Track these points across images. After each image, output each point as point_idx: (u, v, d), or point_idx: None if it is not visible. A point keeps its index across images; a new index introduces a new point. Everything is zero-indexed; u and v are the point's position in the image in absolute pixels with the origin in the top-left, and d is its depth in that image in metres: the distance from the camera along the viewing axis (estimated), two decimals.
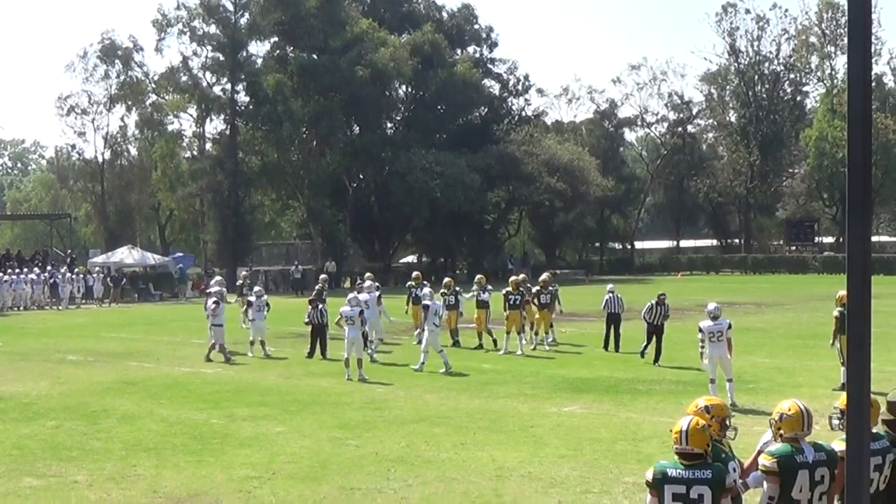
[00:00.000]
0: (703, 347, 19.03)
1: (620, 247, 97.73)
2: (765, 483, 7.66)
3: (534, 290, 29.68)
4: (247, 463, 14.92)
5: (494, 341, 29.12)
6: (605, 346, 29.11)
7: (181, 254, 75.07)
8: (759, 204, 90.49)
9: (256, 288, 27.83)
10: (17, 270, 56.21)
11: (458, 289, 30.77)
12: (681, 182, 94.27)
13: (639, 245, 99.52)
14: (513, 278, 29.90)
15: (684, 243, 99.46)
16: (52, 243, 73.35)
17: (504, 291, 28.76)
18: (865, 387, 4.57)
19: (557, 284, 32.15)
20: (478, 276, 31.83)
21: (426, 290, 28.20)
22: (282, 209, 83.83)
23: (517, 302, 28.27)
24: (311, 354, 27.53)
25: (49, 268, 58.62)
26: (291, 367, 26.17)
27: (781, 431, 7.97)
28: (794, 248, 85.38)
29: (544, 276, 31.09)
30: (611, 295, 29.75)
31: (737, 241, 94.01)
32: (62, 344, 27.25)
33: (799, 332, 32.33)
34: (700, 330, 19.02)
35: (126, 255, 65.49)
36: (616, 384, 21.94)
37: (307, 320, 27.61)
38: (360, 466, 14.52)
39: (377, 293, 29.65)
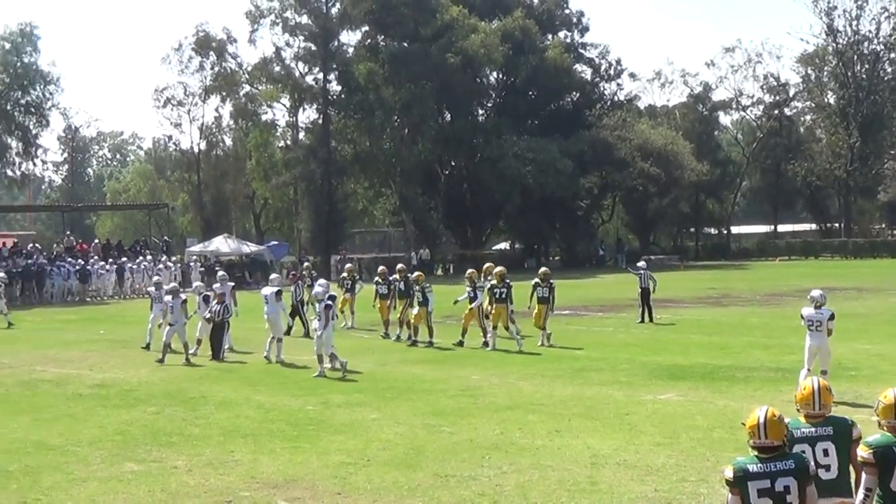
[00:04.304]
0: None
1: (716, 232, 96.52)
2: (863, 475, 7.53)
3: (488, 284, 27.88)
4: (342, 449, 15.02)
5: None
6: (641, 320, 32.38)
7: (276, 242, 75.80)
8: (860, 187, 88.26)
9: (322, 280, 27.27)
10: (119, 259, 57.35)
11: (476, 280, 28.69)
12: (778, 165, 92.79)
13: (735, 230, 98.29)
14: (497, 269, 28.25)
15: (782, 228, 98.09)
16: (151, 233, 74.28)
17: (489, 285, 27.54)
18: None
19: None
20: (469, 271, 30.00)
21: (318, 288, 24.95)
22: (374, 197, 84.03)
23: (503, 295, 26.84)
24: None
25: (149, 257, 59.61)
26: (387, 355, 26.30)
27: (878, 419, 7.84)
28: (895, 231, 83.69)
29: (470, 272, 29.82)
30: (643, 272, 33.10)
31: (836, 225, 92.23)
32: (161, 332, 27.62)
33: None
34: (802, 317, 18.46)
35: (222, 244, 66.21)
36: (713, 371, 21.70)
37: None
38: (454, 454, 14.54)
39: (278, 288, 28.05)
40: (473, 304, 27.77)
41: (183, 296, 27.27)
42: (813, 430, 7.97)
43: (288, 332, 28.84)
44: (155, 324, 28.22)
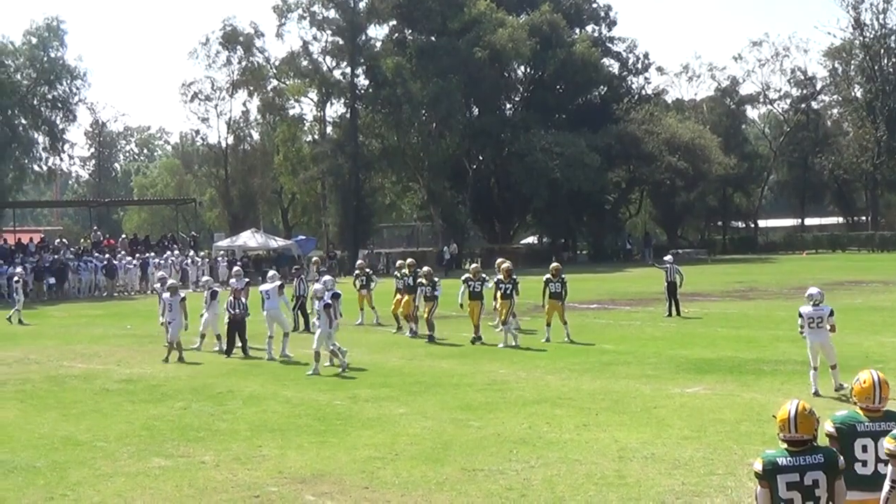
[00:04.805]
0: (802, 331, 18.32)
1: (743, 225, 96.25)
2: (889, 465, 7.50)
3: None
4: (369, 444, 15.04)
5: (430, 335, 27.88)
6: (669, 314, 32.46)
7: (303, 237, 75.88)
8: (888, 180, 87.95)
9: (326, 277, 26.94)
10: (146, 255, 57.69)
11: (484, 276, 28.80)
12: (805, 159, 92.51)
13: (762, 223, 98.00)
14: (505, 265, 28.19)
15: (809, 221, 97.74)
16: (178, 228, 74.67)
17: (495, 280, 27.57)
18: None
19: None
20: (473, 266, 30.07)
21: (317, 285, 24.95)
22: (402, 191, 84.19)
23: (509, 291, 26.93)
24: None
25: (176, 252, 59.89)
26: (413, 349, 26.33)
27: (854, 400, 8.23)
28: None
29: (474, 266, 30.15)
30: (669, 266, 33.24)
31: (864, 218, 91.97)
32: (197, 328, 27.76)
33: None
34: (800, 315, 18.37)
35: (249, 239, 66.55)
36: (740, 364, 21.67)
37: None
38: (482, 448, 14.55)
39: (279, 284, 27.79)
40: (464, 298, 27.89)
41: (182, 293, 27.14)
42: (875, 425, 7.95)
43: (296, 328, 28.92)
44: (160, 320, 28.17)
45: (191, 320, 27.06)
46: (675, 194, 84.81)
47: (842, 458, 7.66)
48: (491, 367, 22.71)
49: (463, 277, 28.78)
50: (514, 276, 27.53)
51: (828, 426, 8.17)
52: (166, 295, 26.74)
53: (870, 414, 8.09)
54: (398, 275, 31.26)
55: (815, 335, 17.98)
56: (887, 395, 8.09)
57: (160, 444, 15.61)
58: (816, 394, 17.38)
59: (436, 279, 28.92)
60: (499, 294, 27.08)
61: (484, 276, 28.61)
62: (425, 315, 28.04)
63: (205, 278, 35.46)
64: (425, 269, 30.01)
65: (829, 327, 18.05)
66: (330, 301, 22.98)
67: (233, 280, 28.67)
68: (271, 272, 30.04)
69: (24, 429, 17.23)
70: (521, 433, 15.46)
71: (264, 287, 26.81)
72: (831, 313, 18.18)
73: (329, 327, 22.69)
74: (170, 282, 29.57)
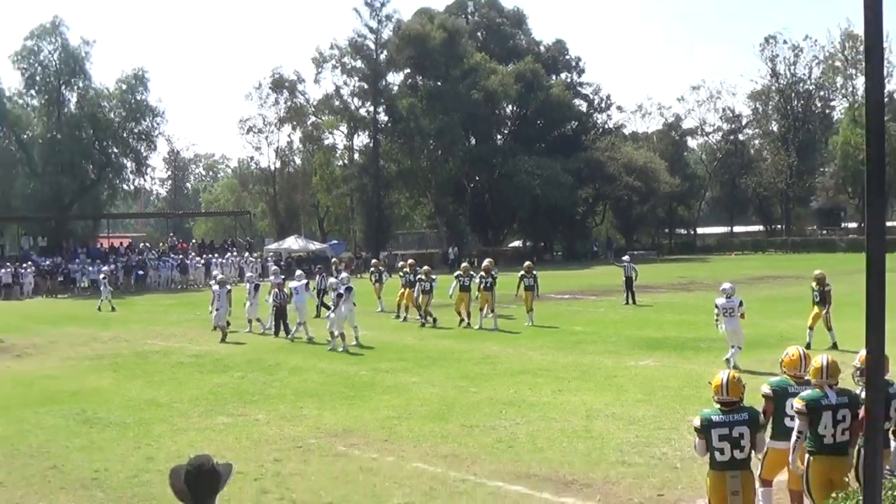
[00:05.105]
0: (717, 319, 18.12)
1: (685, 232, 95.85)
2: (796, 420, 7.60)
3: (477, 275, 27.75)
4: (388, 405, 15.09)
5: (435, 320, 27.62)
6: (626, 302, 32.18)
7: (336, 241, 75.77)
8: (797, 196, 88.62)
9: (343, 274, 26.78)
10: (210, 255, 57.77)
11: (472, 273, 28.25)
12: (733, 180, 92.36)
13: (700, 230, 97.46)
14: (485, 263, 27.85)
15: (737, 229, 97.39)
16: (236, 234, 74.46)
17: (479, 276, 27.25)
18: (881, 345, 4.64)
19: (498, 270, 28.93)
20: (464, 265, 29.64)
21: (331, 279, 25.50)
22: (414, 205, 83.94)
23: (489, 285, 26.73)
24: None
25: (235, 253, 59.92)
26: (423, 331, 26.29)
27: (784, 370, 8.41)
28: (824, 232, 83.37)
29: (464, 265, 29.65)
30: (627, 264, 33.21)
31: (779, 226, 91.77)
32: (244, 314, 27.79)
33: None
34: (716, 306, 18.20)
35: (293, 243, 66.33)
36: (682, 342, 21.68)
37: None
38: (478, 409, 14.60)
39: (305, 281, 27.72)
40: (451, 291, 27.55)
41: (228, 286, 27.22)
42: (801, 388, 7.98)
43: (318, 315, 28.74)
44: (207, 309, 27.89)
45: (235, 308, 27.20)
46: (631, 207, 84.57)
47: (762, 415, 7.76)
48: (484, 345, 22.74)
49: (455, 274, 28.59)
50: (494, 273, 27.25)
51: (765, 388, 8.31)
52: (216, 287, 26.79)
53: (796, 380, 8.21)
54: (401, 273, 31.20)
55: (729, 322, 17.86)
56: (808, 366, 8.16)
57: (223, 405, 15.69)
58: (735, 367, 17.28)
59: (433, 276, 28.62)
60: (482, 287, 26.87)
61: (472, 273, 28.35)
62: (424, 305, 27.82)
63: (248, 274, 35.52)
64: (425, 267, 29.75)
65: (739, 315, 17.93)
66: (342, 292, 22.98)
67: (272, 276, 28.70)
68: (298, 272, 30.02)
69: (117, 393, 17.33)
70: (508, 397, 15.50)
71: (293, 284, 26.68)
72: (741, 304, 18.05)
73: (342, 312, 22.68)
74: (219, 277, 29.64)
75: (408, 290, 29.49)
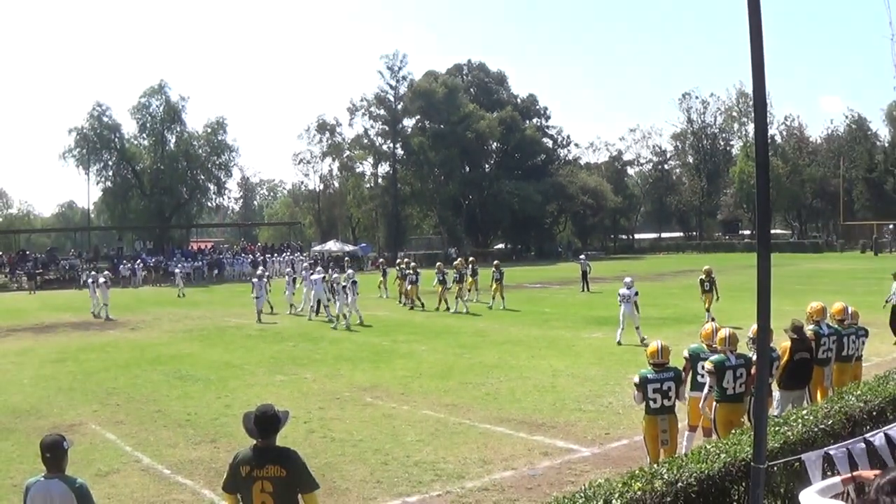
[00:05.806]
0: (621, 302, 17.71)
1: (626, 237, 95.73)
2: (707, 377, 7.64)
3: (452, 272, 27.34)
4: (404, 367, 15.10)
5: (423, 305, 26.73)
6: (582, 290, 31.83)
7: (364, 244, 75.69)
8: (707, 211, 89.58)
9: (350, 270, 25.29)
10: (270, 255, 57.68)
11: (446, 270, 27.67)
12: (661, 198, 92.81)
13: (637, 236, 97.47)
14: (457, 261, 27.26)
15: (664, 235, 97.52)
16: (291, 239, 74.38)
17: (452, 272, 27.17)
18: (767, 320, 4.73)
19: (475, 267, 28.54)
20: (438, 263, 28.84)
21: (340, 273, 24.74)
22: (423, 217, 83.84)
23: (459, 278, 26.35)
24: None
25: (289, 253, 59.87)
26: (429, 313, 26.20)
27: (702, 339, 8.43)
28: (727, 237, 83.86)
29: (457, 261, 28.87)
30: (582, 261, 33.64)
31: (694, 233, 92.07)
32: (285, 301, 27.66)
33: (729, 287, 31.28)
34: (619, 294, 17.82)
35: (333, 245, 66.13)
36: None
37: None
38: (471, 370, 14.60)
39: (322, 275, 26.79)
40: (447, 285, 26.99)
41: (265, 278, 26.66)
42: (711, 353, 7.96)
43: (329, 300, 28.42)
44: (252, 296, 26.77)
45: (274, 295, 26.74)
46: (585, 219, 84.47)
47: (683, 373, 7.79)
48: (475, 323, 22.72)
49: (437, 266, 28.06)
50: (463, 270, 26.88)
51: (684, 352, 8.35)
52: (255, 280, 26.31)
53: (709, 348, 8.22)
54: (398, 267, 31.01)
55: (626, 307, 17.57)
56: (716, 337, 8.15)
57: (280, 367, 15.71)
58: (619, 343, 16.99)
59: (418, 271, 27.98)
60: (455, 280, 26.52)
61: (446, 270, 27.80)
62: (413, 293, 27.32)
63: (287, 269, 34.88)
64: (412, 263, 29.33)
65: (635, 301, 17.55)
66: (346, 284, 22.71)
67: (312, 274, 28.48)
68: (318, 267, 29.45)
69: (202, 357, 17.36)
70: (494, 361, 15.51)
71: (313, 277, 26.09)
72: (636, 294, 17.71)
73: (347, 300, 22.45)
74: (259, 269, 29.19)
75: (401, 280, 28.80)
